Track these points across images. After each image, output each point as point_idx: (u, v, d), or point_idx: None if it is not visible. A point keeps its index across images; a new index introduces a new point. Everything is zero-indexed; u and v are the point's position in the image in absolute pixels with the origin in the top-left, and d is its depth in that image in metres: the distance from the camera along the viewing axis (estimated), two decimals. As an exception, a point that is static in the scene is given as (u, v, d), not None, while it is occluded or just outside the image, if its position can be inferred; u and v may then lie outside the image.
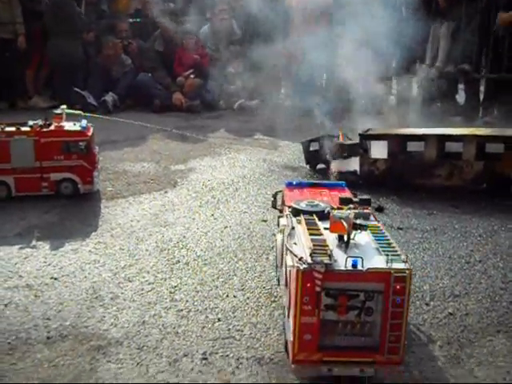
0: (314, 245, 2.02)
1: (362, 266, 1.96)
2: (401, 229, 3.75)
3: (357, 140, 4.81)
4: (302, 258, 1.98)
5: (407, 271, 1.96)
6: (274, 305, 2.74)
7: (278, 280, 2.82)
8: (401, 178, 4.54)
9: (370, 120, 5.83)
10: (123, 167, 5.09)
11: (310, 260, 1.96)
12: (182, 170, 5.04)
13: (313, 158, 5.11)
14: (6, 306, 2.72)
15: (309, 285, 1.95)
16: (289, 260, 2.09)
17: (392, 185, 4.53)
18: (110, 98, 7.92)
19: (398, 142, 4.60)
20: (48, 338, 2.47)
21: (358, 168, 4.73)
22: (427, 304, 2.77)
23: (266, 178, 4.86)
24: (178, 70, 8.38)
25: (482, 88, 7.66)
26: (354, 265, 1.96)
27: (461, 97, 7.99)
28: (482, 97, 7.68)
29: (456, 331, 2.55)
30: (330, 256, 1.98)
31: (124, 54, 8.35)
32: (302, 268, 1.95)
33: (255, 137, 6.56)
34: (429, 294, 2.87)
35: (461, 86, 8.06)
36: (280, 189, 3.04)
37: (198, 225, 3.76)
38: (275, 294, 2.83)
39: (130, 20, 8.66)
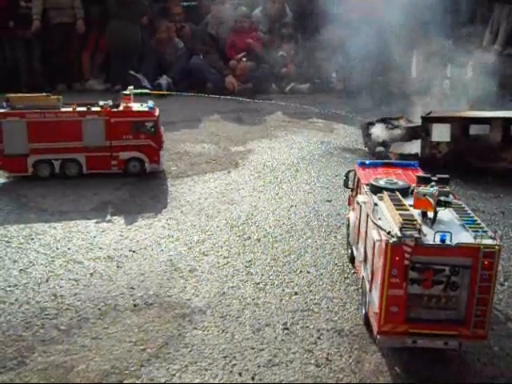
0: (403, 219, 2.06)
1: (451, 241, 2.00)
2: (467, 211, 3.73)
3: (418, 123, 4.78)
4: (390, 232, 2.03)
5: (496, 247, 1.99)
6: (347, 281, 2.80)
7: (351, 258, 2.87)
8: (464, 162, 4.50)
9: (424, 104, 5.77)
10: (184, 148, 5.20)
11: (399, 234, 2.00)
12: (242, 151, 5.12)
13: (372, 140, 5.10)
14: (91, 275, 2.86)
15: (397, 258, 1.99)
16: (375, 234, 2.14)
17: (455, 168, 4.49)
18: (164, 81, 8.04)
19: (462, 125, 4.55)
20: (134, 305, 2.60)
21: (419, 151, 4.70)
22: (502, 284, 2.78)
23: (325, 159, 4.90)
24: (231, 53, 8.43)
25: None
26: (443, 240, 1.99)
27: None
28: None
29: (534, 311, 2.55)
30: (420, 230, 2.01)
31: (177, 38, 8.46)
32: (391, 241, 1.99)
33: (310, 120, 6.57)
34: (502, 274, 2.88)
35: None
36: (349, 169, 3.08)
37: (264, 203, 3.84)
38: (348, 270, 2.89)
39: (184, 4, 8.73)
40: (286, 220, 3.56)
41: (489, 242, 2.01)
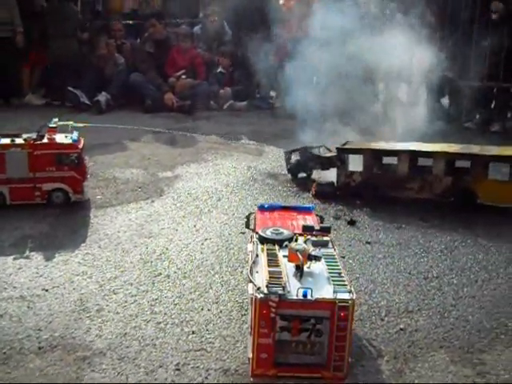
0: (270, 276, 2.32)
1: (312, 296, 2.26)
2: (369, 243, 4.05)
3: (335, 153, 5.09)
4: (259, 287, 2.28)
5: (350, 301, 2.26)
6: (243, 318, 3.04)
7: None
8: (375, 190, 4.83)
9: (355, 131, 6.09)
10: (113, 173, 5.36)
11: (266, 290, 2.25)
12: (169, 178, 5.31)
13: (294, 167, 5.38)
14: (1, 316, 3.01)
15: (265, 311, 2.25)
16: (249, 288, 2.38)
17: (367, 197, 4.82)
18: (103, 97, 8.15)
19: (373, 157, 4.88)
20: (39, 348, 2.76)
21: (335, 179, 5.01)
22: (382, 319, 3.08)
23: (248, 187, 5.15)
24: (170, 70, 8.61)
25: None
26: (305, 295, 2.26)
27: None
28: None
29: (404, 346, 2.85)
30: (284, 287, 2.27)
31: (117, 54, 8.57)
32: (259, 297, 2.25)
33: (242, 141, 6.83)
34: (385, 309, 3.17)
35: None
36: (253, 211, 3.32)
37: (180, 236, 4.05)
38: (246, 307, 3.13)
39: (124, 21, 8.85)
40: (199, 254, 3.78)
41: (345, 296, 2.28)
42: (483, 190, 4.56)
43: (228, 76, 8.69)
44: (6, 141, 4.38)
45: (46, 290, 3.28)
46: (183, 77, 8.56)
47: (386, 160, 4.98)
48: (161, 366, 2.65)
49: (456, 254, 3.90)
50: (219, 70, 8.72)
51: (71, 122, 4.69)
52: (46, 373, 2.60)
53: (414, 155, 4.82)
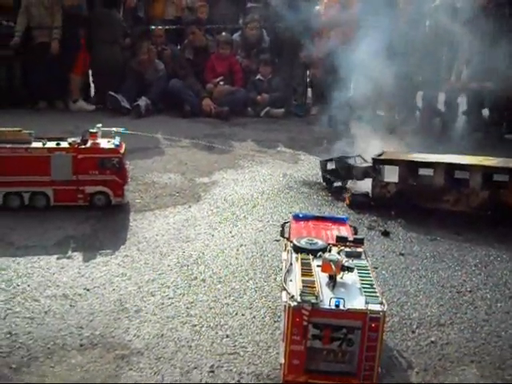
0: (303, 285, 2.39)
1: (344, 306, 2.32)
2: (402, 255, 4.06)
3: (370, 163, 5.11)
4: (293, 296, 2.36)
5: (381, 313, 2.31)
6: (276, 324, 3.11)
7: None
8: (410, 202, 4.83)
9: (389, 138, 6.12)
10: (152, 178, 5.51)
11: (299, 299, 2.33)
12: (206, 183, 5.43)
13: (329, 177, 5.43)
14: (46, 313, 3.16)
15: (297, 319, 2.32)
16: (283, 296, 2.46)
17: (401, 208, 4.83)
18: (143, 102, 8.35)
19: (408, 168, 4.89)
20: (81, 345, 2.90)
21: (370, 190, 5.04)
22: (413, 332, 3.10)
23: (283, 194, 5.22)
24: (208, 77, 8.77)
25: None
26: (337, 305, 2.32)
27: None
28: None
29: (434, 359, 2.87)
30: (317, 297, 2.34)
31: (158, 60, 8.77)
32: (292, 305, 2.32)
33: (278, 148, 6.91)
34: (416, 321, 3.20)
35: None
36: (288, 220, 3.40)
37: (216, 241, 4.15)
38: (279, 314, 3.20)
39: (166, 27, 9.04)
40: (234, 260, 3.88)
41: (376, 307, 2.34)
42: (521, 205, 4.52)
43: (266, 83, 8.79)
44: (52, 144, 4.56)
45: (88, 290, 3.42)
46: (221, 83, 8.70)
47: (422, 171, 4.98)
48: (195, 368, 2.75)
49: (491, 269, 3.89)
50: (258, 77, 8.83)
51: (114, 129, 4.85)
52: (87, 369, 2.73)
53: (451, 167, 4.81)
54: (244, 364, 2.79)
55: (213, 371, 2.73)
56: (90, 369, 2.73)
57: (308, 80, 9.23)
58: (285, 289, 2.45)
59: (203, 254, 3.95)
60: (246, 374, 2.71)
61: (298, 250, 2.76)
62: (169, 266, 3.76)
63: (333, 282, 2.48)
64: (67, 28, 8.24)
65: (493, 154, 5.10)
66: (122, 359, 2.80)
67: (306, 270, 2.53)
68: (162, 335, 3.00)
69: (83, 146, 4.58)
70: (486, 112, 8.20)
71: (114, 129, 4.86)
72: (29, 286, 3.44)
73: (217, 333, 3.04)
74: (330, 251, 2.77)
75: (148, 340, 2.96)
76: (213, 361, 2.80)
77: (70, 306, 3.25)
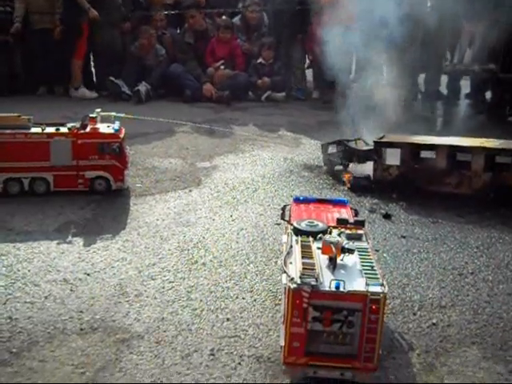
0: (303, 268, 2.37)
1: (344, 288, 2.30)
2: (404, 237, 4.04)
3: (372, 146, 5.07)
4: (293, 278, 2.34)
5: (381, 295, 2.30)
6: (277, 307, 3.10)
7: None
8: (412, 185, 4.80)
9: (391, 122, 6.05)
10: (152, 163, 5.48)
11: (299, 281, 2.31)
12: (207, 168, 5.41)
13: (330, 160, 5.40)
14: (46, 298, 3.16)
15: (297, 301, 2.30)
16: (283, 278, 2.44)
17: (403, 191, 4.79)
18: (143, 87, 8.30)
19: (410, 150, 4.84)
20: (81, 329, 2.89)
21: (371, 173, 5.00)
22: (414, 314, 3.09)
23: (284, 178, 5.19)
24: (209, 61, 8.70)
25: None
26: (337, 286, 2.30)
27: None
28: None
29: (436, 341, 2.86)
30: (317, 279, 2.32)
31: (158, 45, 8.70)
32: (292, 287, 2.30)
33: (279, 132, 6.87)
34: (418, 303, 3.19)
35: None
36: (288, 202, 3.37)
37: (216, 225, 4.13)
38: (279, 297, 3.19)
39: (165, 12, 8.95)
40: (234, 244, 3.86)
41: (376, 289, 2.32)
42: (523, 187, 4.49)
43: (268, 67, 8.71)
44: (51, 130, 4.53)
45: (88, 275, 3.41)
46: (222, 67, 8.64)
47: (424, 154, 4.94)
48: (196, 351, 2.74)
49: (493, 251, 3.86)
50: (259, 60, 8.75)
51: (113, 113, 4.82)
52: (88, 353, 2.73)
53: (453, 150, 4.76)
54: (245, 347, 2.78)
55: (213, 354, 2.73)
56: (90, 353, 2.73)
57: (307, 63, 9.17)
58: (285, 271, 2.43)
59: (204, 238, 3.93)
60: (246, 357, 2.71)
61: (298, 232, 2.74)
62: (169, 250, 3.74)
63: (333, 264, 2.46)
64: (68, 13, 8.16)
65: (496, 136, 5.05)
66: (122, 343, 2.80)
67: (307, 252, 2.51)
68: (163, 319, 2.99)
69: (83, 131, 4.55)
70: (488, 95, 8.14)
71: (113, 113, 4.83)
72: (29, 271, 3.44)
73: (217, 316, 3.03)
74: (330, 233, 2.74)
75: (148, 324, 2.95)
76: (213, 344, 2.80)
77: (71, 290, 3.24)
